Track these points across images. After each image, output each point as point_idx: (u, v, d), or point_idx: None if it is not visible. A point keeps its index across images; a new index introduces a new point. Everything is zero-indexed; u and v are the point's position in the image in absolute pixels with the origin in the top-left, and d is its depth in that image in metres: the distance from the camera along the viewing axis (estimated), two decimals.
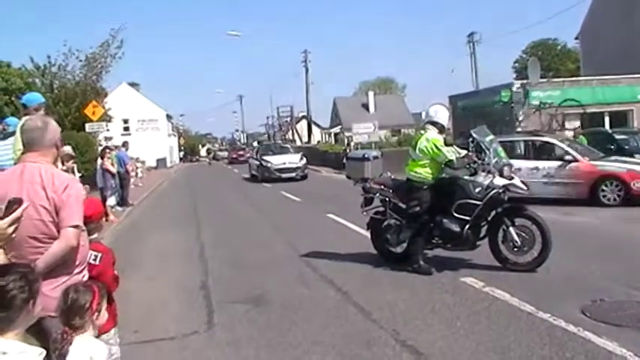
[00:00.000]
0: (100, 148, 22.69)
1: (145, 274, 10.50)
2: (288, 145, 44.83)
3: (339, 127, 75.50)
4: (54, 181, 4.02)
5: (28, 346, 2.86)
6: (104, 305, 3.59)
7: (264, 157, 34.48)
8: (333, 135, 79.17)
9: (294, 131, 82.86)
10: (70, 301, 3.42)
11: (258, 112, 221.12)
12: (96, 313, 3.47)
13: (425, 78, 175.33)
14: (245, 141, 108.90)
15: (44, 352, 2.88)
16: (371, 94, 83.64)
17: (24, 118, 8.03)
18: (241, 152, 75.23)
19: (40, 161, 4.07)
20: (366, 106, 79.66)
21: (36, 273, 3.00)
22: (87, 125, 25.18)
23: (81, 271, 4.17)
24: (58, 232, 3.96)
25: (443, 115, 9.99)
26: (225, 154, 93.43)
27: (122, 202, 21.84)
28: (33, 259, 3.76)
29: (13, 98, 31.30)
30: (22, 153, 4.21)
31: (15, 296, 2.82)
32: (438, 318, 7.21)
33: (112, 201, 19.09)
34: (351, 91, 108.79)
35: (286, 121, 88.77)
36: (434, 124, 9.84)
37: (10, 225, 3.50)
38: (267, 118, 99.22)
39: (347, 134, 51.51)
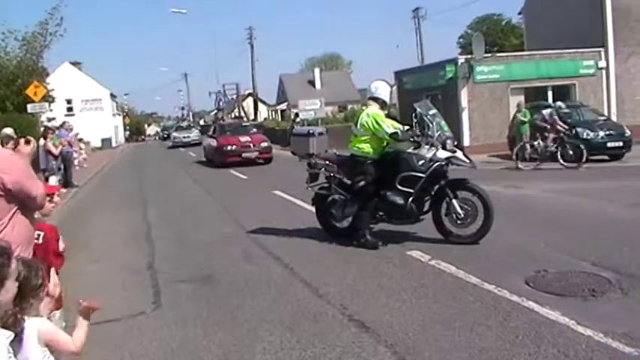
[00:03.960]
0: (42, 130, 22.21)
1: (90, 255, 10.35)
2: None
3: (286, 103, 75.34)
4: None
5: None
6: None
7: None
8: (279, 112, 78.99)
9: (241, 108, 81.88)
10: (22, 279, 3.11)
11: (205, 90, 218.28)
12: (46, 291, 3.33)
13: (371, 54, 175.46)
14: (192, 119, 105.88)
15: (12, 335, 2.82)
16: (317, 70, 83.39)
17: None
18: (246, 139, 29.47)
19: None
20: (312, 83, 79.54)
21: (6, 256, 2.90)
22: (29, 106, 24.56)
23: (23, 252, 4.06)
24: None
25: (384, 91, 10.06)
26: (195, 136, 52.17)
27: (66, 183, 21.45)
28: None
29: None
30: None
31: None
32: (384, 292, 7.27)
33: (52, 181, 18.75)
34: (297, 67, 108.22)
35: (232, 99, 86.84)
36: (375, 99, 9.93)
37: None
38: (216, 94, 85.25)
39: (293, 111, 51.41)
